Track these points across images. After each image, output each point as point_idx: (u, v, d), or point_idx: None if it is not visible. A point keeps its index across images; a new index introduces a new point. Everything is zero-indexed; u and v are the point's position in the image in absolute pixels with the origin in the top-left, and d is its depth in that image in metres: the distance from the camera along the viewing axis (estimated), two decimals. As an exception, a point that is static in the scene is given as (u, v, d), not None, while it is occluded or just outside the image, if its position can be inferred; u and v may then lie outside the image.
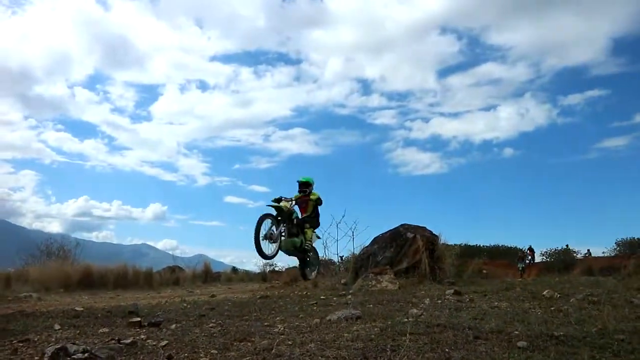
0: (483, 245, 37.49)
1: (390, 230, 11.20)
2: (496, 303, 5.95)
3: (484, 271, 23.54)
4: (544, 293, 6.40)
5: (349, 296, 7.63)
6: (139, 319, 4.97)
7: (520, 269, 20.86)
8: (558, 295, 6.22)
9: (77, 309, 6.02)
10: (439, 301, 6.33)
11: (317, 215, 12.36)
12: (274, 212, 11.29)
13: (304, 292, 8.75)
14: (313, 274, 12.46)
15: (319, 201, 12.30)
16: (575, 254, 33.23)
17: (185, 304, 7.36)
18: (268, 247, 11.12)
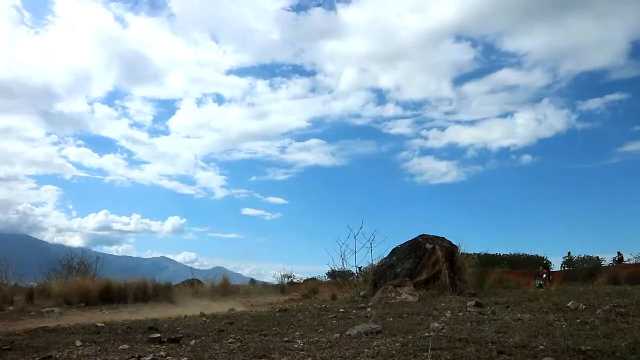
0: (503, 254, 36.86)
1: (409, 241, 11.11)
2: (519, 315, 5.82)
3: (505, 281, 23.08)
4: (569, 304, 6.23)
5: (368, 309, 7.55)
6: (158, 335, 4.98)
7: (537, 285, 20.29)
8: (583, 307, 6.05)
9: (97, 324, 6.06)
10: (460, 314, 6.22)
11: None
12: None
13: (323, 305, 8.70)
14: None
15: None
16: (598, 262, 32.36)
17: (204, 318, 7.37)
18: None
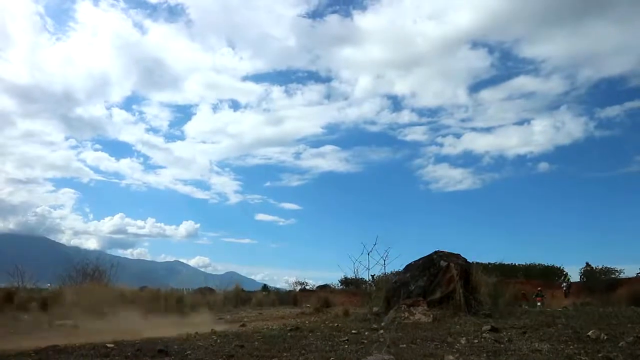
0: (518, 264, 36.28)
1: (423, 257, 10.94)
2: (537, 344, 5.64)
3: (522, 293, 22.70)
4: (589, 333, 6.02)
5: (381, 331, 7.41)
6: (168, 359, 4.91)
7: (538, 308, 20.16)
8: (605, 337, 5.83)
9: (107, 345, 6.01)
10: (476, 340, 6.05)
11: None
12: None
13: (335, 324, 8.56)
14: None
15: None
16: (617, 273, 31.63)
17: (215, 337, 7.29)
18: None
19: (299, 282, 46.28)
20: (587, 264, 32.48)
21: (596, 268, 32.32)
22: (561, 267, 34.32)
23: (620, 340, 5.59)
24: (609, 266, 32.30)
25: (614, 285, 28.31)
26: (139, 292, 13.09)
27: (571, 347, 5.44)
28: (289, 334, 7.52)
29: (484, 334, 6.45)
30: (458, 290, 9.64)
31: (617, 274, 31.19)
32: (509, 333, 6.60)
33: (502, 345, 5.66)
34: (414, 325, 8.07)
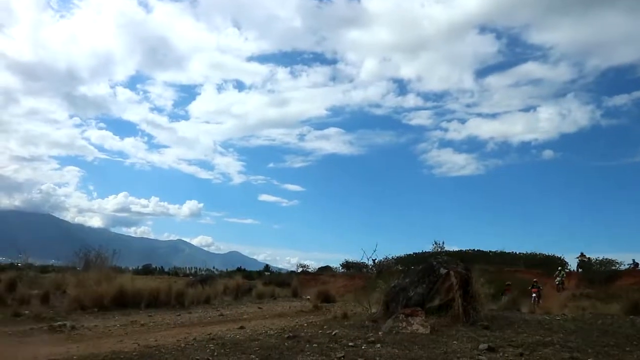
0: (519, 253, 36.27)
1: (423, 264, 10.95)
2: (533, 372, 5.64)
3: (506, 285, 22.32)
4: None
5: (378, 345, 7.43)
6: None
7: (532, 301, 19.79)
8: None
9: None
10: (472, 364, 6.05)
11: None
12: None
13: (333, 332, 8.58)
14: None
15: None
16: (617, 265, 31.65)
17: (212, 346, 7.33)
18: None
19: (300, 264, 46.64)
20: (582, 254, 32.48)
21: (593, 259, 32.24)
22: (562, 257, 34.16)
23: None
24: (608, 257, 32.21)
25: (613, 277, 28.42)
26: (139, 289, 13.12)
27: (567, 377, 5.43)
28: (286, 343, 7.56)
29: (479, 356, 6.45)
30: (457, 300, 9.63)
31: (617, 265, 31.19)
32: (505, 355, 6.60)
33: (497, 371, 5.66)
34: (411, 336, 8.09)
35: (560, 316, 11.62)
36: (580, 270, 31.60)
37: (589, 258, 31.90)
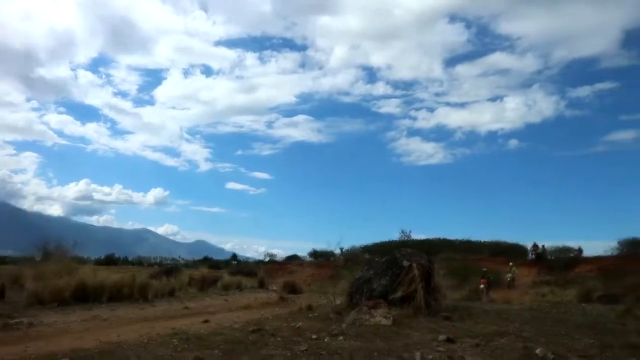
0: (484, 241, 37.30)
1: (387, 256, 11.15)
2: (488, 362, 5.86)
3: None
4: (537, 351, 6.29)
5: (341, 337, 7.55)
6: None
7: (481, 292, 20.11)
8: (552, 356, 6.10)
9: None
10: (430, 356, 6.23)
11: None
12: None
13: (297, 325, 8.66)
14: None
15: None
16: (576, 252, 32.99)
17: (175, 341, 7.27)
18: None
19: (268, 253, 46.56)
20: (534, 244, 33.86)
21: (547, 248, 33.53)
22: (525, 246, 35.39)
23: (567, 360, 5.86)
24: (565, 244, 33.50)
25: (572, 264, 29.85)
26: (101, 282, 12.85)
27: (520, 366, 5.69)
28: (250, 337, 7.59)
29: (438, 348, 6.65)
30: (419, 292, 9.86)
31: (576, 253, 32.45)
32: (463, 346, 6.83)
33: (455, 362, 5.86)
34: (374, 328, 8.25)
35: (519, 305, 12.11)
36: (534, 258, 33.00)
37: (543, 247, 33.23)
